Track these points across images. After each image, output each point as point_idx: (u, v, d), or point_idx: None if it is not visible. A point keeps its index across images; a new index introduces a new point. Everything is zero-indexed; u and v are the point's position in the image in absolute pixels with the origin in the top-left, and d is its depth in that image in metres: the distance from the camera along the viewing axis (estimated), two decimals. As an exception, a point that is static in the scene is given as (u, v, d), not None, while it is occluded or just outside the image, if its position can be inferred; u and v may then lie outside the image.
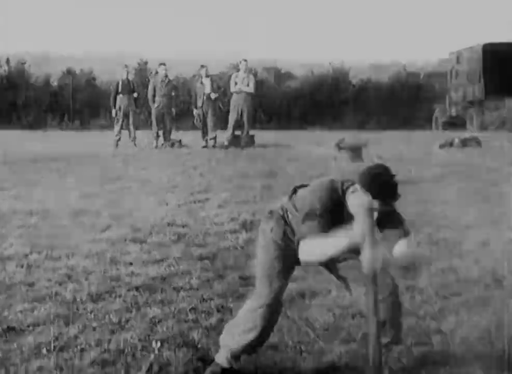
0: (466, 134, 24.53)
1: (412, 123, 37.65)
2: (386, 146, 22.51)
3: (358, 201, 4.27)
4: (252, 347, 4.77)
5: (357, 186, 4.32)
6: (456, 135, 23.52)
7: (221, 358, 4.83)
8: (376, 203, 4.22)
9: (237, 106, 21.16)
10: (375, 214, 4.23)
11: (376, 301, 4.04)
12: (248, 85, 21.04)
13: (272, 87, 40.45)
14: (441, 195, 12.32)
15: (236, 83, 21.26)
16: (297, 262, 4.62)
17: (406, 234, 4.50)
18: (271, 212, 4.75)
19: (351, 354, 5.04)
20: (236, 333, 4.76)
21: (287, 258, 4.66)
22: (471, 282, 6.84)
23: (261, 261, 4.75)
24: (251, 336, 4.72)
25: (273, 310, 4.73)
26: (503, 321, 5.69)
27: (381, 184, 4.25)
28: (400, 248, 4.45)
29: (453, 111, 35.48)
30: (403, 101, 39.68)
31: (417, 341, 5.31)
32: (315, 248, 4.38)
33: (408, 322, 5.65)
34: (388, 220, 4.45)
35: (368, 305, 4.05)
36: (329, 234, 4.32)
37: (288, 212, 4.65)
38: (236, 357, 4.81)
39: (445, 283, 6.81)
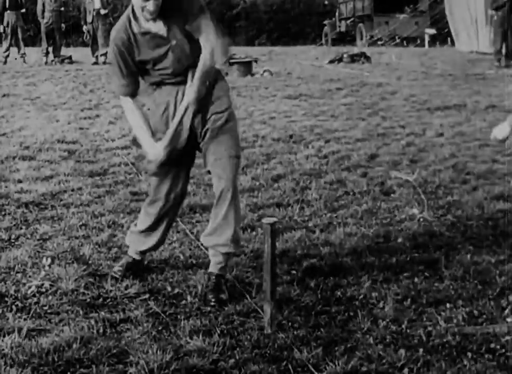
0: (355, 50, 24.75)
1: (302, 38, 37.69)
2: (276, 62, 22.56)
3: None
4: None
5: None
6: (345, 51, 23.72)
7: (131, 252, 5.03)
8: None
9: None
10: (151, 4, 4.25)
11: (274, 255, 4.12)
12: None
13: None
14: (330, 109, 12.48)
15: None
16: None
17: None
18: None
19: (241, 267, 5.11)
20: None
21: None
22: (359, 195, 6.99)
23: None
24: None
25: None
26: (390, 232, 5.86)
27: None
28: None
29: (343, 27, 35.61)
30: (294, 16, 39.60)
31: (306, 252, 5.40)
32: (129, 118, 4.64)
33: (298, 234, 5.77)
34: (175, 7, 4.39)
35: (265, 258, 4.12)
36: (145, 126, 4.56)
37: None
38: (142, 252, 5.02)
39: (334, 195, 6.94)
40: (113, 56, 4.48)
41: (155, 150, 4.50)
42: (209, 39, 4.43)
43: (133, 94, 4.56)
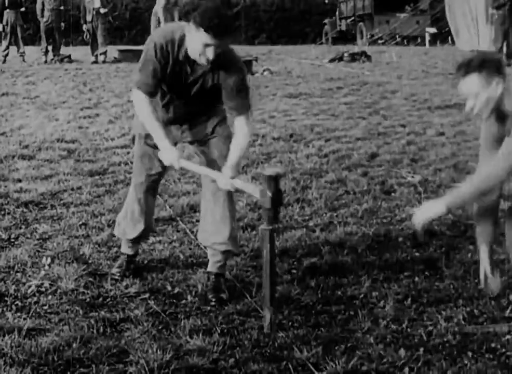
0: (355, 49, 24.74)
1: (302, 37, 37.66)
2: (276, 61, 22.55)
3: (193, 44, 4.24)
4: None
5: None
6: (346, 50, 23.70)
7: (124, 248, 5.06)
8: (211, 39, 4.13)
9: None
10: (211, 51, 4.18)
11: (273, 258, 4.11)
12: None
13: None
14: (330, 108, 12.47)
15: None
16: None
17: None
18: None
19: (241, 266, 5.11)
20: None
21: None
22: (360, 194, 6.98)
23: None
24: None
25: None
26: (391, 231, 5.85)
27: (213, 14, 4.11)
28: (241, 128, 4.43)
29: (343, 26, 35.59)
30: (294, 15, 39.54)
31: (307, 251, 5.40)
32: (143, 116, 4.50)
33: (298, 234, 5.77)
34: (225, 62, 4.33)
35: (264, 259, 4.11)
36: (162, 132, 4.43)
37: None
38: (134, 241, 5.03)
39: (334, 195, 6.93)
40: (152, 54, 4.36)
41: (170, 155, 4.39)
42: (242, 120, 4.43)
43: (151, 95, 4.47)
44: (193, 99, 4.54)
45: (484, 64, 3.84)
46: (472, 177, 4.03)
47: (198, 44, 4.19)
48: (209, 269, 4.78)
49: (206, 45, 4.17)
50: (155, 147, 4.62)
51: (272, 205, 3.98)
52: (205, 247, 4.95)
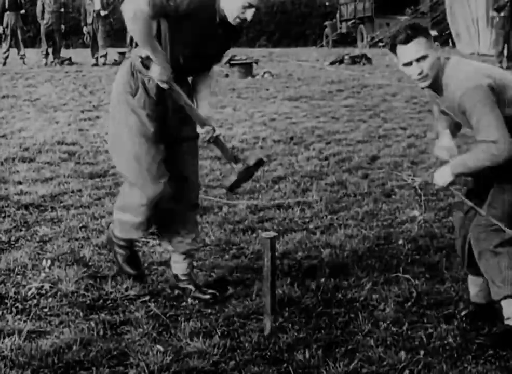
0: (356, 51, 24.73)
1: (303, 40, 37.66)
2: (277, 63, 22.56)
3: None
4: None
5: None
6: (346, 52, 23.71)
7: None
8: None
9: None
10: (251, 13, 4.17)
11: (274, 271, 4.11)
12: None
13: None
14: (331, 111, 12.46)
15: None
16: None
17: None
18: None
19: (242, 268, 5.11)
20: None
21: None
22: (360, 196, 6.98)
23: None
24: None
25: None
26: (391, 234, 5.85)
27: None
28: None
29: (343, 28, 35.56)
30: (295, 18, 39.52)
31: (307, 254, 5.39)
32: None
33: (298, 236, 5.77)
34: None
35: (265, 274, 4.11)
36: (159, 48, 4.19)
37: None
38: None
39: (335, 197, 6.93)
40: None
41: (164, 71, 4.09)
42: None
43: (153, 16, 4.03)
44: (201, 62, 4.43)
45: (425, 29, 4.11)
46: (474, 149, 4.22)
47: (237, 5, 4.12)
48: (182, 272, 4.74)
49: (248, 6, 4.13)
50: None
51: None
52: (190, 251, 4.82)
